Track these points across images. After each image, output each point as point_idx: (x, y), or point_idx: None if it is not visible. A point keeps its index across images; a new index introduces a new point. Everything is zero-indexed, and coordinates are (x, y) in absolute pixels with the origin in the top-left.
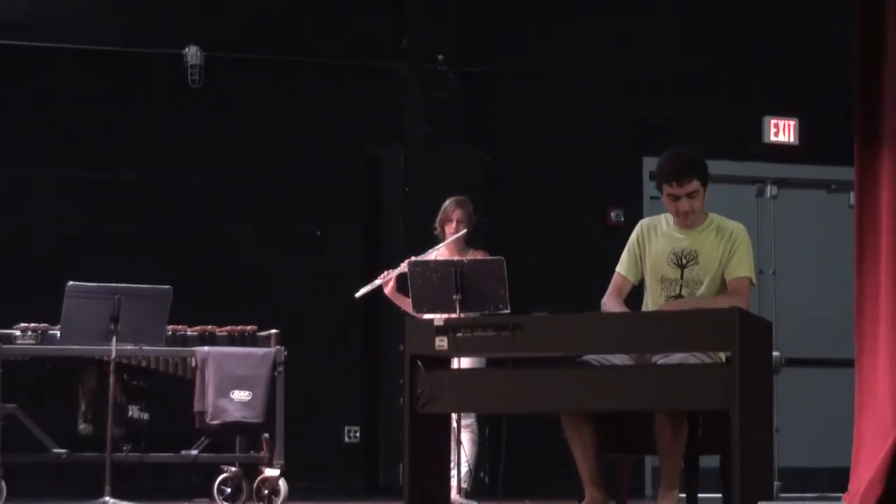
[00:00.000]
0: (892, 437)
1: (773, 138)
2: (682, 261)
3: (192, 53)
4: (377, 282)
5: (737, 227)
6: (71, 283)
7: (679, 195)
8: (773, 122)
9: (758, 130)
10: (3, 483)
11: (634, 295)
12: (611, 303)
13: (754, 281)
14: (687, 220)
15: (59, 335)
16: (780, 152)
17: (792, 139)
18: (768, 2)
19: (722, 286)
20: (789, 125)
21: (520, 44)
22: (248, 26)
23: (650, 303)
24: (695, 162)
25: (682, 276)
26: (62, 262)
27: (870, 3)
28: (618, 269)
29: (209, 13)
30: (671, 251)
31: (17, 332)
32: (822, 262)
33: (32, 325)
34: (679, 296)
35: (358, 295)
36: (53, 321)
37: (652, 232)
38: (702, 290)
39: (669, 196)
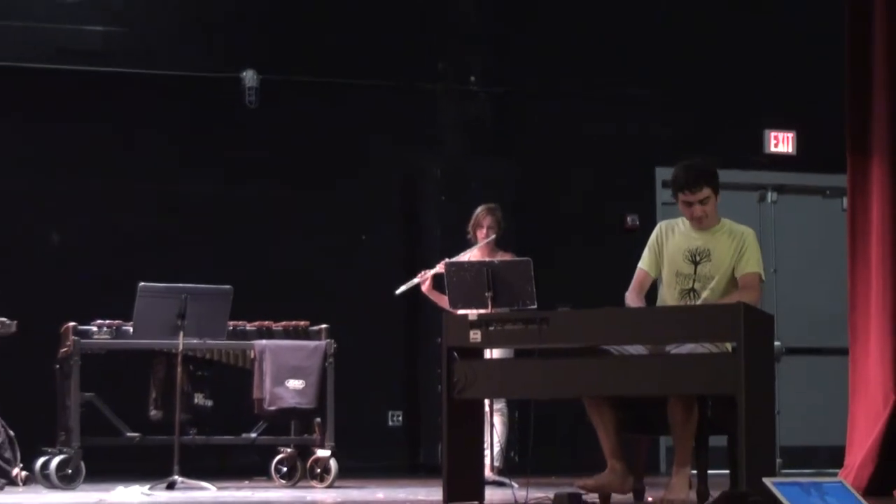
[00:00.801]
0: (883, 420)
1: (773, 149)
2: (696, 258)
3: (249, 77)
4: (415, 280)
5: (747, 230)
6: (142, 283)
7: (692, 202)
8: (772, 134)
9: (759, 142)
10: (83, 463)
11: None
12: (632, 296)
13: (764, 278)
14: (701, 224)
15: (131, 330)
16: (780, 162)
17: (790, 150)
18: (768, 26)
19: (730, 283)
20: (788, 137)
21: (543, 66)
22: (298, 52)
23: (665, 294)
24: (706, 171)
25: (695, 272)
26: (135, 265)
27: (858, 28)
28: (640, 265)
29: (264, 41)
30: (686, 249)
31: (95, 328)
32: (819, 261)
33: (108, 321)
34: (692, 289)
35: (398, 292)
36: (127, 318)
37: (670, 232)
38: (712, 284)
39: (684, 203)
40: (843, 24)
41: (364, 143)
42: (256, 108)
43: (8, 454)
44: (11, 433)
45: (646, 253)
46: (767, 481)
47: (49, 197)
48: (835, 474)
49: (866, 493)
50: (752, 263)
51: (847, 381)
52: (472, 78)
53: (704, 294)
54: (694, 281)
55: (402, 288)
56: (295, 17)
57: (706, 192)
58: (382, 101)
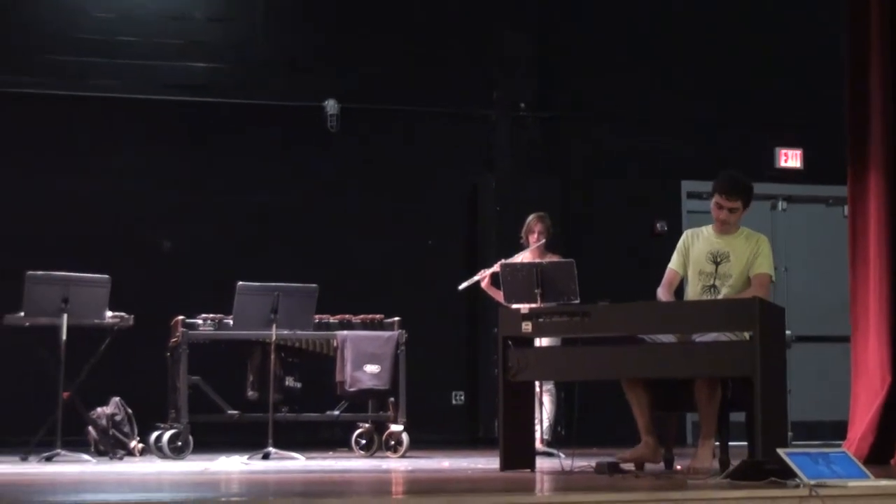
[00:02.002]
0: (880, 398)
1: (782, 164)
2: (718, 259)
3: (331, 105)
4: (476, 278)
5: (762, 237)
6: (241, 283)
7: (724, 206)
8: (782, 151)
9: (770, 158)
10: (190, 437)
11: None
12: (662, 291)
13: (774, 279)
14: (722, 228)
15: (231, 323)
16: (789, 175)
17: (798, 165)
18: (779, 59)
19: (746, 281)
20: (796, 154)
21: (584, 93)
22: (373, 84)
23: (689, 290)
24: (745, 187)
25: (716, 271)
26: (234, 267)
27: (857, 57)
28: (670, 265)
29: (343, 74)
30: (709, 251)
31: (200, 321)
32: (823, 260)
33: (211, 315)
34: (713, 285)
35: (461, 287)
36: (227, 313)
37: (695, 237)
38: (730, 282)
39: (717, 204)
40: (844, 54)
41: (430, 162)
42: (337, 132)
43: (126, 429)
44: (129, 411)
45: (674, 255)
46: (780, 451)
47: (160, 209)
48: (839, 445)
49: (867, 461)
50: (763, 265)
51: (849, 364)
52: (522, 105)
53: (724, 290)
54: (715, 278)
55: (464, 284)
56: (370, 54)
57: (738, 203)
58: (445, 125)
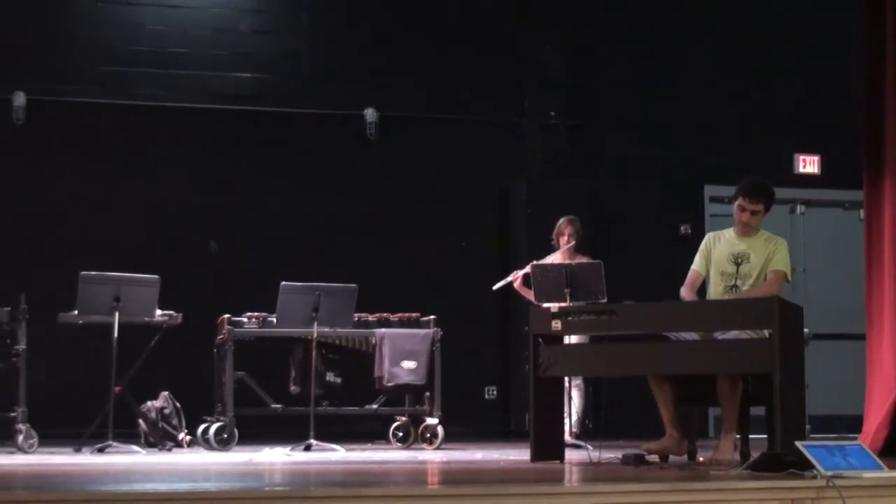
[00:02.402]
0: (894, 393)
1: (801, 170)
2: (738, 260)
3: (370, 114)
4: (508, 278)
5: (780, 240)
6: (284, 283)
7: (746, 208)
8: (801, 157)
9: (790, 164)
10: (236, 429)
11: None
12: (686, 291)
13: (790, 278)
14: (744, 230)
15: (275, 321)
16: (807, 180)
17: (816, 170)
18: (799, 71)
19: (765, 280)
20: (813, 160)
21: (610, 103)
22: (410, 93)
23: (711, 290)
24: (767, 190)
25: (737, 272)
26: (277, 267)
27: (872, 69)
28: (693, 266)
29: (382, 84)
30: (730, 253)
31: (245, 319)
32: (840, 262)
33: (256, 314)
34: (734, 285)
35: (495, 287)
36: (271, 311)
37: (717, 239)
38: (750, 281)
39: (740, 206)
40: (860, 66)
41: (464, 167)
42: (375, 139)
43: (175, 422)
44: (178, 405)
45: (697, 256)
46: (799, 444)
47: (208, 213)
48: (854, 438)
49: (881, 453)
50: (780, 263)
51: (864, 361)
52: (552, 113)
53: (744, 289)
54: (736, 279)
55: (498, 284)
56: (408, 66)
57: (759, 206)
58: (479, 132)
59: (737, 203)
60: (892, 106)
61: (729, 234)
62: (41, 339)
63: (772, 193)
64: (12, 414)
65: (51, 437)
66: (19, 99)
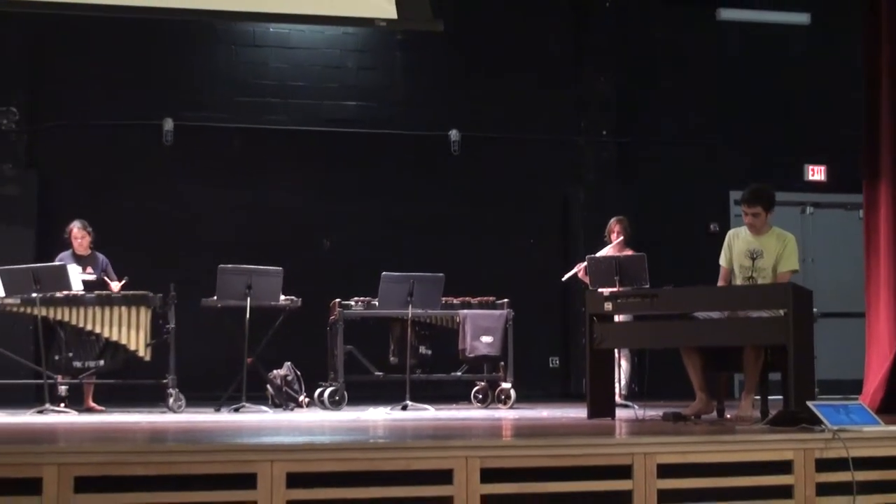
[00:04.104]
0: (889, 360)
1: (810, 177)
2: (754, 255)
3: (454, 134)
4: (574, 270)
5: (789, 236)
6: (384, 272)
7: (747, 213)
8: (810, 167)
9: (800, 172)
10: (346, 393)
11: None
12: (721, 285)
13: (798, 270)
14: (752, 230)
15: (377, 304)
16: (815, 186)
17: (822, 178)
18: (808, 90)
19: (776, 273)
20: (820, 169)
21: (654, 121)
22: (487, 116)
23: (733, 281)
24: (761, 195)
25: (753, 265)
26: (379, 259)
27: (871, 91)
28: (721, 262)
29: (464, 110)
30: (747, 249)
31: (353, 303)
32: (843, 253)
33: (362, 298)
34: (751, 276)
35: (564, 279)
36: (374, 296)
37: (735, 236)
38: (764, 273)
39: (743, 212)
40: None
41: (531, 177)
42: (459, 155)
43: (296, 387)
44: (298, 373)
45: (722, 252)
46: (809, 403)
47: (321, 216)
48: (856, 398)
49: (878, 411)
50: (788, 263)
51: (864, 334)
52: (604, 132)
53: (759, 281)
54: (752, 271)
55: (567, 275)
56: (484, 93)
57: (758, 209)
58: (544, 149)
59: (742, 209)
60: (887, 122)
61: (745, 231)
62: (187, 320)
63: (766, 195)
64: (164, 380)
65: (195, 399)
66: (168, 124)
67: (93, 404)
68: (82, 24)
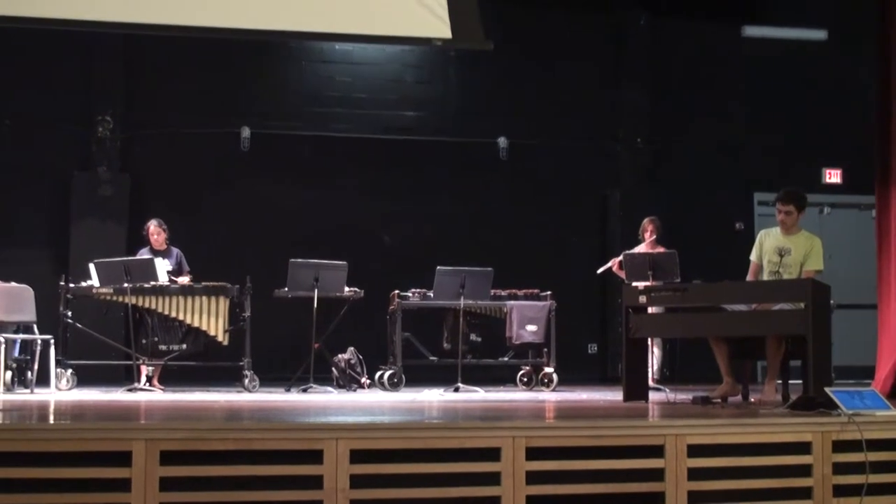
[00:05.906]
0: None
1: (827, 180)
2: (782, 253)
3: (502, 141)
4: (609, 264)
5: (816, 238)
6: (439, 267)
7: (781, 210)
8: (827, 171)
9: (818, 175)
10: (403, 376)
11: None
12: (750, 278)
13: (822, 270)
14: (783, 228)
15: (432, 295)
16: (832, 188)
17: (838, 181)
18: (825, 101)
19: (801, 270)
20: (837, 172)
21: (682, 130)
22: (532, 125)
23: (762, 275)
24: (795, 195)
25: (780, 262)
26: (434, 255)
27: (882, 98)
28: (751, 258)
29: (511, 119)
30: (776, 246)
31: (410, 294)
32: (858, 250)
33: (418, 290)
34: (778, 272)
35: (599, 272)
36: (429, 288)
37: (766, 235)
38: (791, 269)
39: (777, 210)
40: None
41: (572, 180)
42: (506, 160)
43: (359, 370)
44: (361, 357)
45: (754, 248)
46: (827, 389)
47: (381, 215)
48: (868, 384)
49: (889, 396)
50: (814, 263)
51: (876, 325)
52: (639, 139)
53: (785, 276)
54: (780, 267)
55: (601, 269)
56: (529, 104)
57: (790, 207)
58: (584, 154)
59: (776, 207)
60: None
61: (776, 231)
62: (261, 308)
63: (799, 196)
64: (240, 363)
65: (268, 380)
66: (245, 132)
67: (157, 384)
68: (171, 43)
